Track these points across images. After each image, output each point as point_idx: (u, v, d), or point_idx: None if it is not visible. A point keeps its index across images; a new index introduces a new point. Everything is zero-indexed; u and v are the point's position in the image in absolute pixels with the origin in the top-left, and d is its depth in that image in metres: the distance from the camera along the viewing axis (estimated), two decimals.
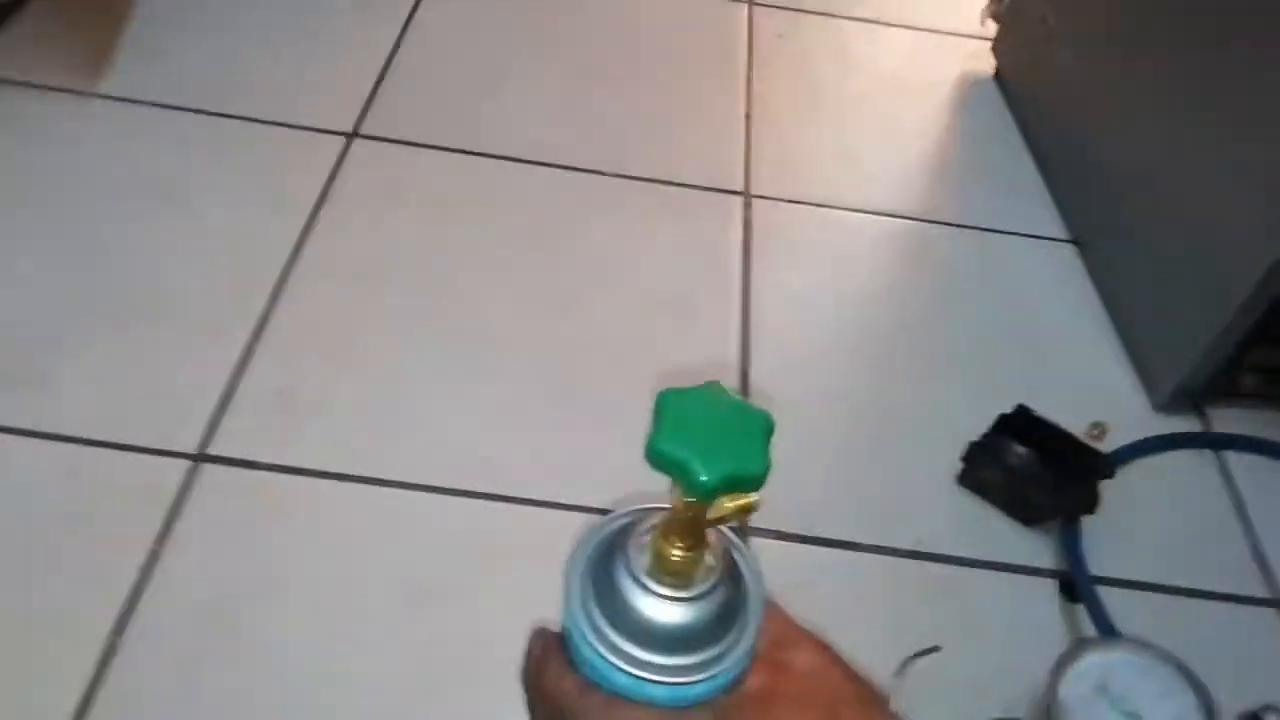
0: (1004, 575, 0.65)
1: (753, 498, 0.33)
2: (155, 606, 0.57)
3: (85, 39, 0.93)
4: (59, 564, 0.58)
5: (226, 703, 0.54)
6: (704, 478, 0.30)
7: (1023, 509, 0.67)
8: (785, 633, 0.34)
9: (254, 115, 0.89)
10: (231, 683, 0.55)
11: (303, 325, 0.74)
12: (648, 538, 0.35)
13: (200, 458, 0.65)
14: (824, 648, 0.33)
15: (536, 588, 0.59)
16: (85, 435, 0.65)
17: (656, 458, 0.31)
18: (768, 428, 0.32)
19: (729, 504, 0.32)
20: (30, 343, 0.69)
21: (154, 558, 0.59)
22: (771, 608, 0.33)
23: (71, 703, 0.53)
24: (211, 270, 0.76)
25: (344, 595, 0.59)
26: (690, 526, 0.33)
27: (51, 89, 0.88)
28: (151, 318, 0.72)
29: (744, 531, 0.65)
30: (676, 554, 0.33)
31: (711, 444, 0.31)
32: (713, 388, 0.33)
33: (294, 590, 0.59)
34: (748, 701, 0.32)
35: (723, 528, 0.35)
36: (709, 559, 0.35)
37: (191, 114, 0.88)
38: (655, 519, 0.34)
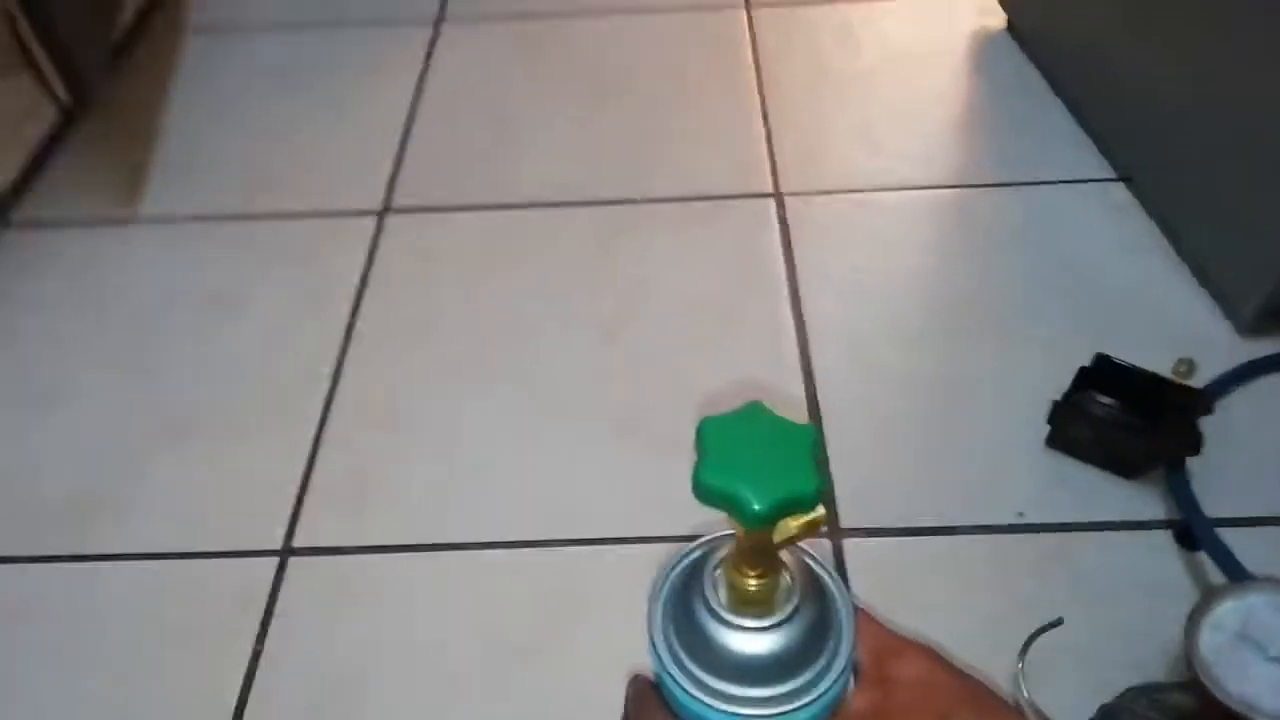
0: (1114, 534, 0.62)
1: (819, 513, 0.32)
2: (264, 706, 0.58)
3: (118, 168, 0.96)
4: (166, 678, 0.59)
5: None
6: (756, 507, 0.29)
7: (1120, 461, 0.64)
8: (885, 643, 0.32)
9: (287, 211, 0.91)
10: None
11: (365, 404, 0.74)
12: (720, 570, 0.33)
13: (287, 552, 0.65)
14: (929, 652, 0.31)
15: (628, 628, 0.58)
16: (173, 549, 0.66)
17: (704, 492, 0.30)
18: (812, 443, 0.30)
19: (794, 524, 0.31)
20: (108, 468, 0.71)
21: (257, 657, 0.60)
22: (866, 619, 0.31)
23: None
24: (270, 367, 0.78)
25: (443, 664, 0.59)
26: (759, 553, 0.32)
27: (93, 223, 0.91)
28: (219, 424, 0.74)
29: (835, 533, 0.63)
30: (751, 583, 0.32)
31: (758, 470, 0.30)
32: (753, 409, 0.32)
33: (395, 667, 0.59)
34: None
35: (799, 545, 0.34)
36: (786, 580, 0.33)
37: (228, 220, 0.91)
38: (725, 549, 0.33)
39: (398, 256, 0.86)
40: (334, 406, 0.74)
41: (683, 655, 0.33)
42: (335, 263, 0.86)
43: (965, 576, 0.60)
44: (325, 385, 0.76)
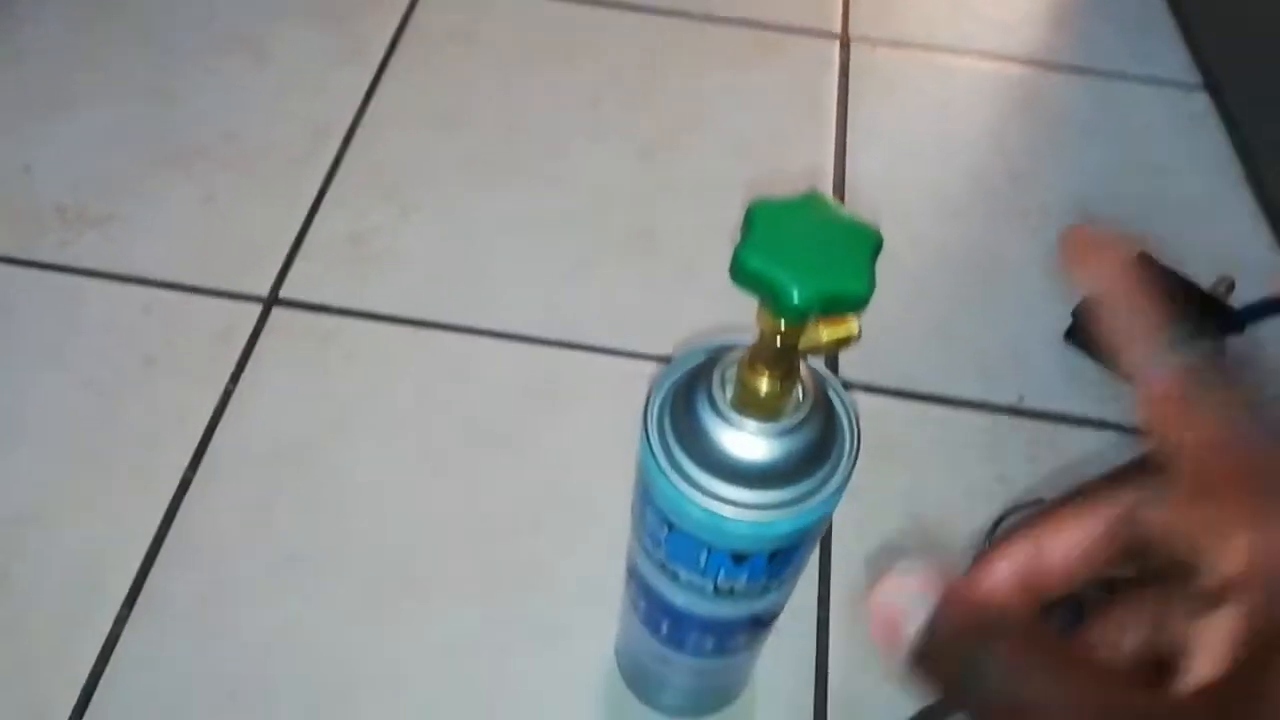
0: (1108, 434, 0.60)
1: (852, 328, 0.29)
2: (229, 443, 0.57)
3: None
4: (136, 401, 0.59)
5: (297, 538, 0.54)
6: (796, 297, 0.26)
7: None
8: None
9: None
10: (302, 519, 0.54)
11: (375, 171, 0.71)
12: (733, 370, 0.32)
13: (273, 301, 0.64)
14: None
15: (606, 433, 0.57)
16: (159, 278, 0.64)
17: (743, 274, 0.27)
18: (875, 244, 0.28)
19: (825, 334, 0.29)
20: (103, 187, 0.69)
21: (228, 397, 0.59)
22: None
23: (148, 533, 0.53)
24: (283, 116, 0.74)
25: (412, 438, 0.58)
26: (780, 356, 0.29)
27: None
28: (223, 163, 0.71)
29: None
30: (764, 385, 0.30)
31: (807, 260, 0.27)
32: (812, 198, 0.29)
33: (363, 432, 0.58)
34: None
35: (814, 362, 0.32)
36: (798, 391, 0.32)
37: None
38: (743, 351, 0.31)
39: (432, 31, 0.82)
40: (342, 168, 0.71)
41: (675, 446, 0.31)
42: (365, 26, 0.81)
43: (954, 447, 0.59)
44: (336, 145, 0.73)
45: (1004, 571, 0.21)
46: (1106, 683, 0.17)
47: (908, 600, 0.19)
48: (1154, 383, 0.20)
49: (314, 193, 0.69)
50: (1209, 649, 0.17)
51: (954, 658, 0.18)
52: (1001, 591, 0.21)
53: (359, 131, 0.74)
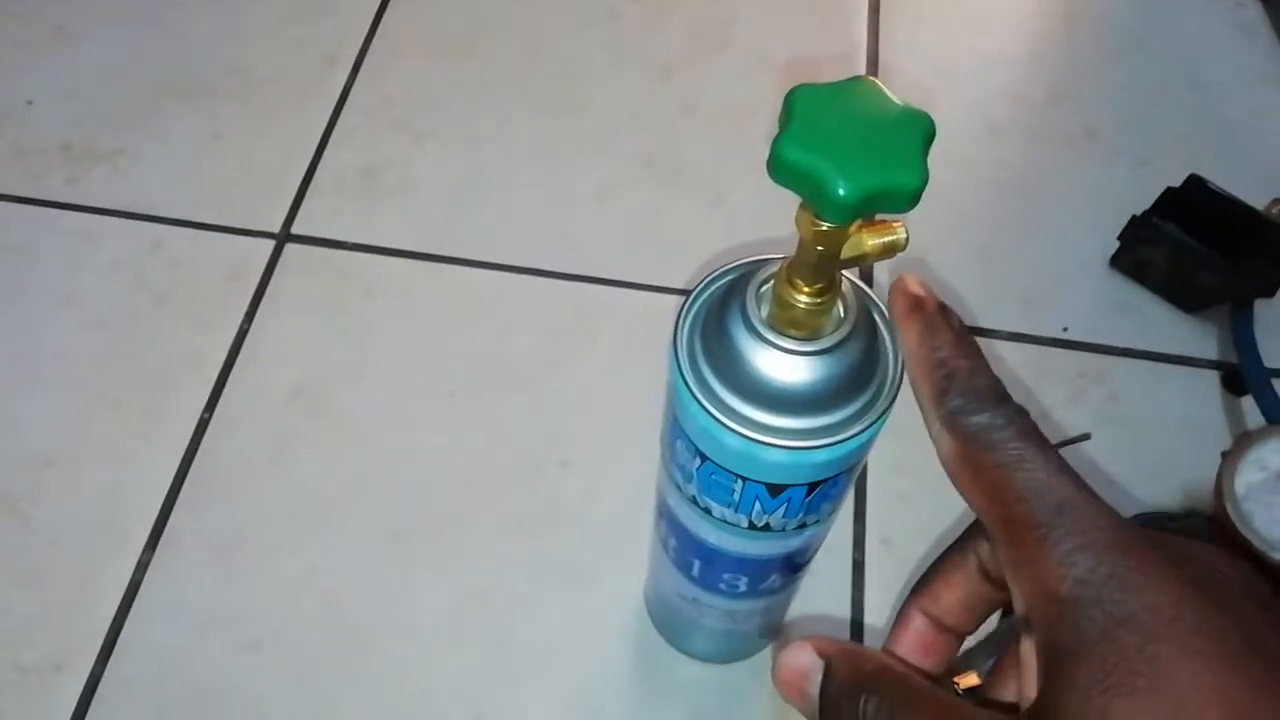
0: (1159, 365, 0.58)
1: (899, 234, 0.27)
2: (246, 384, 0.56)
3: None
4: (150, 341, 0.57)
5: (316, 480, 0.53)
6: (842, 191, 0.24)
7: (1186, 293, 0.59)
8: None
9: None
10: (321, 460, 0.53)
11: (386, 100, 0.69)
12: (769, 286, 0.29)
13: (285, 238, 0.62)
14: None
15: (631, 369, 0.56)
16: (169, 215, 0.62)
17: (782, 167, 0.24)
18: (927, 132, 0.25)
19: (870, 240, 0.27)
20: (107, 122, 0.66)
21: (243, 336, 0.57)
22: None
23: (167, 476, 0.52)
24: (289, 44, 0.71)
25: (430, 374, 0.56)
26: (821, 266, 0.27)
27: None
28: (229, 94, 0.68)
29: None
30: (802, 300, 0.28)
31: (853, 150, 0.24)
32: (858, 83, 0.26)
33: (380, 368, 0.56)
34: None
35: (856, 280, 0.30)
36: (839, 308, 0.29)
37: None
38: (778, 266, 0.29)
39: None
40: (350, 99, 0.69)
41: (705, 369, 0.29)
42: None
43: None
44: (344, 76, 0.70)
45: (917, 623, 0.25)
46: None
47: (809, 663, 0.22)
48: (940, 446, 0.22)
49: (323, 124, 0.67)
50: (1027, 674, 0.19)
51: (848, 709, 0.21)
52: (913, 645, 0.25)
53: (368, 58, 0.71)
